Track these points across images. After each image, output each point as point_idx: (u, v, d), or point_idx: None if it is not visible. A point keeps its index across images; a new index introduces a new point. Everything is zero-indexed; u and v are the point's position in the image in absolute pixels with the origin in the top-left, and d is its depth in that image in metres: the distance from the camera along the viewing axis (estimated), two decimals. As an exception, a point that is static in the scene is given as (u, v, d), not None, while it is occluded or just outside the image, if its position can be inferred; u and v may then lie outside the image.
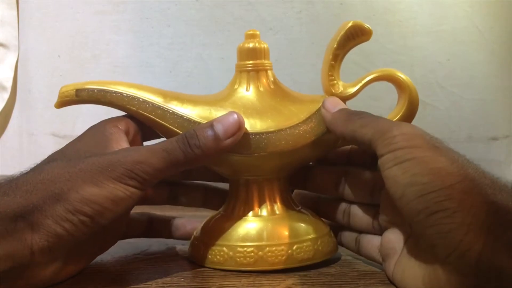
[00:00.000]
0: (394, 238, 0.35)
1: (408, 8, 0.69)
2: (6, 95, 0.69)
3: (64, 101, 0.38)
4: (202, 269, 0.38)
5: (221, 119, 0.35)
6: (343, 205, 0.40)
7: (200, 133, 0.35)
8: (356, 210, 0.39)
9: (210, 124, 0.35)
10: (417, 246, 0.33)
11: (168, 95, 0.39)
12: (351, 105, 0.39)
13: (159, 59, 0.67)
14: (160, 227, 0.43)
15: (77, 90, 0.38)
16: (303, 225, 0.39)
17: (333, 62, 0.38)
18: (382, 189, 0.37)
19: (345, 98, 0.39)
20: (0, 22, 0.68)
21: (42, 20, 0.67)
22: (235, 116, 0.36)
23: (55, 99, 0.38)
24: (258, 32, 0.40)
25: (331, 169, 0.41)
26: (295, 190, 0.44)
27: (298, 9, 0.68)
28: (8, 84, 0.69)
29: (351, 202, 0.40)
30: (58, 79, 0.66)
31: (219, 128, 0.35)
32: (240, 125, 0.35)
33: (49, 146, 0.64)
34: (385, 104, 0.66)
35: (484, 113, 0.71)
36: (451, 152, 0.30)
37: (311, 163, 0.42)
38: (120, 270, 0.37)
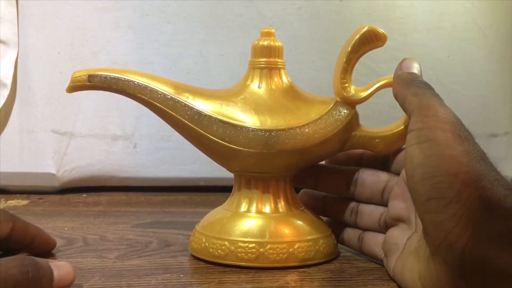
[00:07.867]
0: (398, 234, 0.36)
1: (408, 4, 0.69)
2: (6, 92, 0.68)
3: (76, 86, 0.38)
4: (202, 265, 0.38)
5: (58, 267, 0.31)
6: (351, 204, 0.41)
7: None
8: (364, 209, 0.40)
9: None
10: (418, 241, 0.33)
11: (180, 87, 0.39)
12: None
13: (158, 56, 0.67)
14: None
15: (89, 76, 0.38)
16: (305, 225, 0.39)
17: (346, 65, 0.38)
18: (392, 188, 0.37)
19: (355, 102, 0.39)
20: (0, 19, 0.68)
21: (42, 17, 0.67)
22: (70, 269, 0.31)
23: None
24: (273, 30, 0.41)
25: (343, 169, 0.41)
26: (302, 190, 0.44)
27: (298, 6, 0.67)
28: (8, 81, 0.69)
29: (360, 201, 0.40)
30: (58, 76, 0.66)
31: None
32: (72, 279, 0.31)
33: (49, 143, 0.64)
34: (384, 101, 0.66)
35: (484, 110, 0.71)
36: (472, 145, 0.29)
37: (322, 162, 0.42)
38: (120, 266, 0.37)
